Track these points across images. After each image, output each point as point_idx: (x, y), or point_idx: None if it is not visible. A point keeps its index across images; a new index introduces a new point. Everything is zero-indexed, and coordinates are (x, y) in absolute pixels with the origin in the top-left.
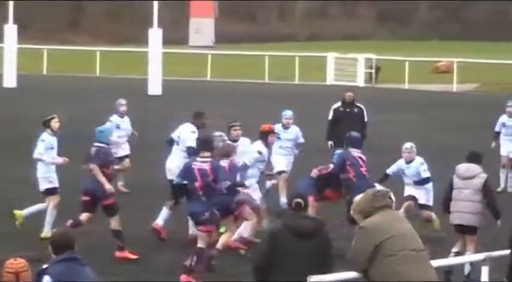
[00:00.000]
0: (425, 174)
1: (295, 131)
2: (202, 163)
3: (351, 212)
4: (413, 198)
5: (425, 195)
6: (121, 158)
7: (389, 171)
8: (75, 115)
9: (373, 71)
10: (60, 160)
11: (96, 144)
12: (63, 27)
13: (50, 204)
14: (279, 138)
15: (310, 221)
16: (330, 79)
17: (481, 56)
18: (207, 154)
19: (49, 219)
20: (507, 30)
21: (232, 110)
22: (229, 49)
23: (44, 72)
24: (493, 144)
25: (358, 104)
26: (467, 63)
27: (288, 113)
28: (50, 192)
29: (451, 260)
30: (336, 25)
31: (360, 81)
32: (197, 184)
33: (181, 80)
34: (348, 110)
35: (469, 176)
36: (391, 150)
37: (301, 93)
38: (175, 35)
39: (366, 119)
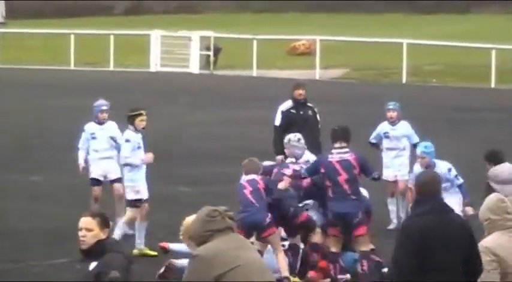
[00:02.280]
0: None
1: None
2: (342, 154)
3: (180, 235)
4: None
5: None
6: None
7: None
8: None
9: (211, 53)
10: (150, 157)
11: None
12: None
13: (124, 218)
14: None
15: None
16: (155, 64)
17: (350, 33)
18: (344, 144)
19: (117, 232)
20: None
21: (27, 105)
22: (24, 26)
23: None
24: None
25: (309, 104)
26: (333, 42)
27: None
28: (133, 204)
29: None
30: None
31: (195, 67)
32: (341, 178)
33: None
34: (301, 112)
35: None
36: (239, 157)
37: (117, 82)
38: None
39: (319, 124)
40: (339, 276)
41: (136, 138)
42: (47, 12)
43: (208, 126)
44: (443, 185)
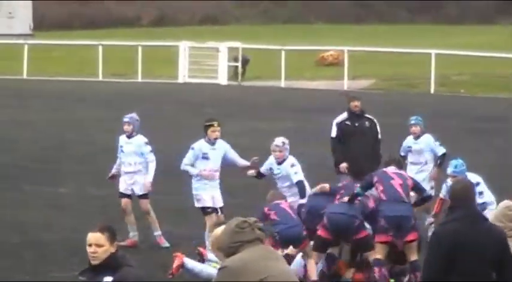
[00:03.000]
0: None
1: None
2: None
3: (212, 249)
4: None
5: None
6: None
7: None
8: None
9: (239, 64)
10: (206, 173)
11: None
12: None
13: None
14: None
15: None
16: (183, 75)
17: (378, 43)
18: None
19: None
20: (408, 8)
21: (56, 116)
22: (52, 38)
23: None
24: None
25: (368, 115)
26: (361, 53)
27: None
28: (202, 211)
29: None
30: (191, 4)
31: (223, 78)
32: (394, 182)
33: None
34: (356, 124)
35: None
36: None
37: (145, 94)
38: None
39: (379, 136)
40: None
41: (204, 148)
42: (74, 23)
43: (234, 136)
44: None
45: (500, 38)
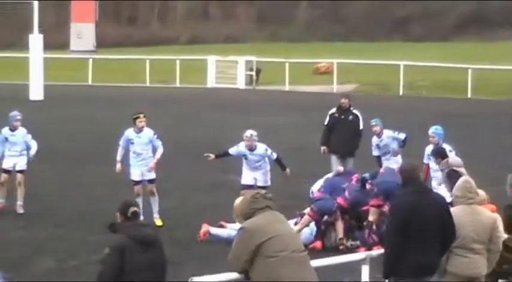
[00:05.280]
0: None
1: None
2: None
3: (234, 215)
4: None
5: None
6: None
7: (231, 151)
8: None
9: (253, 73)
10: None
11: None
12: None
13: None
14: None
15: (149, 228)
16: (211, 82)
17: (360, 57)
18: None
19: None
20: (383, 29)
21: (113, 113)
22: (110, 53)
23: None
24: None
25: (354, 111)
26: (346, 64)
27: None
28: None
29: (330, 260)
30: (217, 27)
31: (241, 84)
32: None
33: (63, 85)
34: (342, 117)
35: None
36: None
37: (182, 96)
38: (57, 39)
39: (361, 127)
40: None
41: (131, 135)
42: (127, 42)
43: (249, 128)
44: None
45: (454, 52)
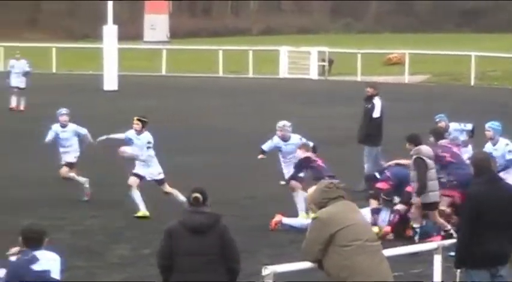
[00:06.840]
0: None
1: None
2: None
3: (307, 204)
4: None
5: None
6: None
7: (265, 147)
8: (35, 111)
9: (326, 63)
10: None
11: None
12: (21, 25)
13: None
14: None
15: (204, 216)
16: (284, 72)
17: (431, 48)
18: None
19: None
20: (452, 21)
21: (187, 103)
22: (184, 44)
23: (1, 68)
24: None
25: (374, 100)
26: (418, 55)
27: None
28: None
29: (401, 250)
30: (290, 19)
31: (314, 74)
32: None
33: (137, 75)
34: (365, 105)
35: None
36: (344, 142)
37: (255, 86)
38: (131, 30)
39: (374, 115)
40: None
41: (131, 135)
42: (201, 33)
43: (322, 117)
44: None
45: None
